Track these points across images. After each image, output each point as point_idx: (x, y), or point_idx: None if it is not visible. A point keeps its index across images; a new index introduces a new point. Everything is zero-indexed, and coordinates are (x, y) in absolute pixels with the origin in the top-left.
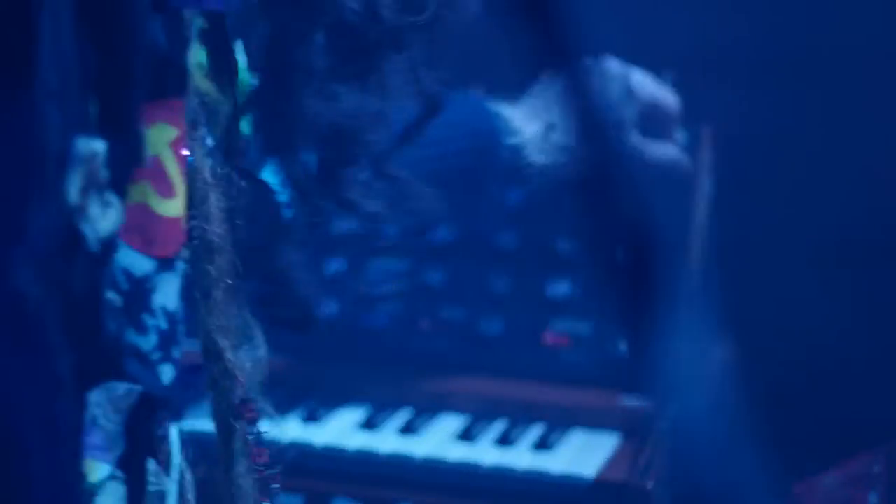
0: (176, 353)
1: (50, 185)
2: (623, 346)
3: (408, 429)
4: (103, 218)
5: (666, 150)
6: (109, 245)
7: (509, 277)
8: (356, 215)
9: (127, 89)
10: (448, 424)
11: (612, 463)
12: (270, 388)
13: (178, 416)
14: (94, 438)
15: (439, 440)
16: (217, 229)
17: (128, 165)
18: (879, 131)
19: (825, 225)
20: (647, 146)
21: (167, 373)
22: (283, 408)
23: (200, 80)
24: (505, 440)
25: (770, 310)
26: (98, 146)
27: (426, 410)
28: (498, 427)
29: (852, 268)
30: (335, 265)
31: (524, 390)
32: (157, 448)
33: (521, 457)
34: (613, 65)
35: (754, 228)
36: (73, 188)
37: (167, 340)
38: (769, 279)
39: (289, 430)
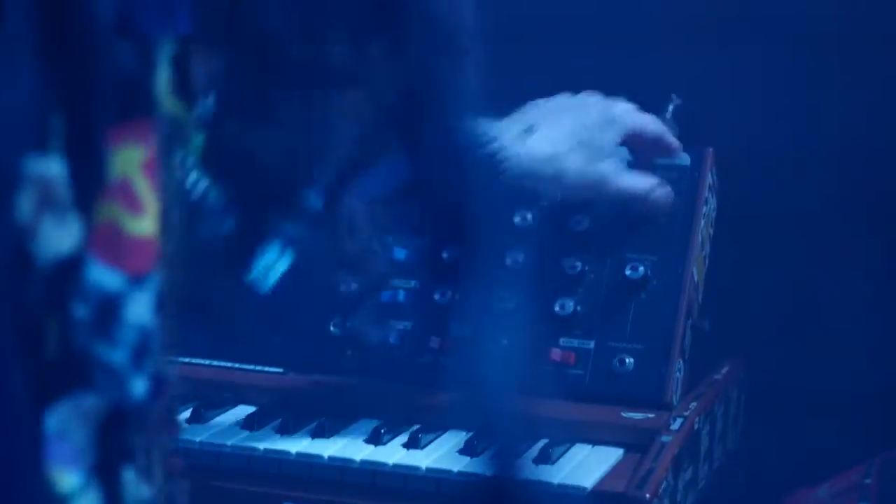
0: (149, 367)
1: (1, 203)
2: (629, 362)
3: (413, 443)
4: (61, 237)
5: (642, 181)
6: (73, 263)
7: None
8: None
9: (90, 110)
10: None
11: (612, 475)
12: (281, 404)
13: (159, 426)
14: (62, 449)
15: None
16: (173, 246)
17: (92, 185)
18: (884, 146)
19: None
20: (622, 175)
21: (139, 386)
22: (293, 423)
23: (169, 101)
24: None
25: (773, 325)
26: (54, 167)
27: (434, 427)
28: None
29: (856, 281)
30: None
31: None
32: (134, 458)
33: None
34: (593, 96)
35: (755, 248)
36: (25, 208)
37: (139, 354)
38: (771, 295)
39: (299, 444)
